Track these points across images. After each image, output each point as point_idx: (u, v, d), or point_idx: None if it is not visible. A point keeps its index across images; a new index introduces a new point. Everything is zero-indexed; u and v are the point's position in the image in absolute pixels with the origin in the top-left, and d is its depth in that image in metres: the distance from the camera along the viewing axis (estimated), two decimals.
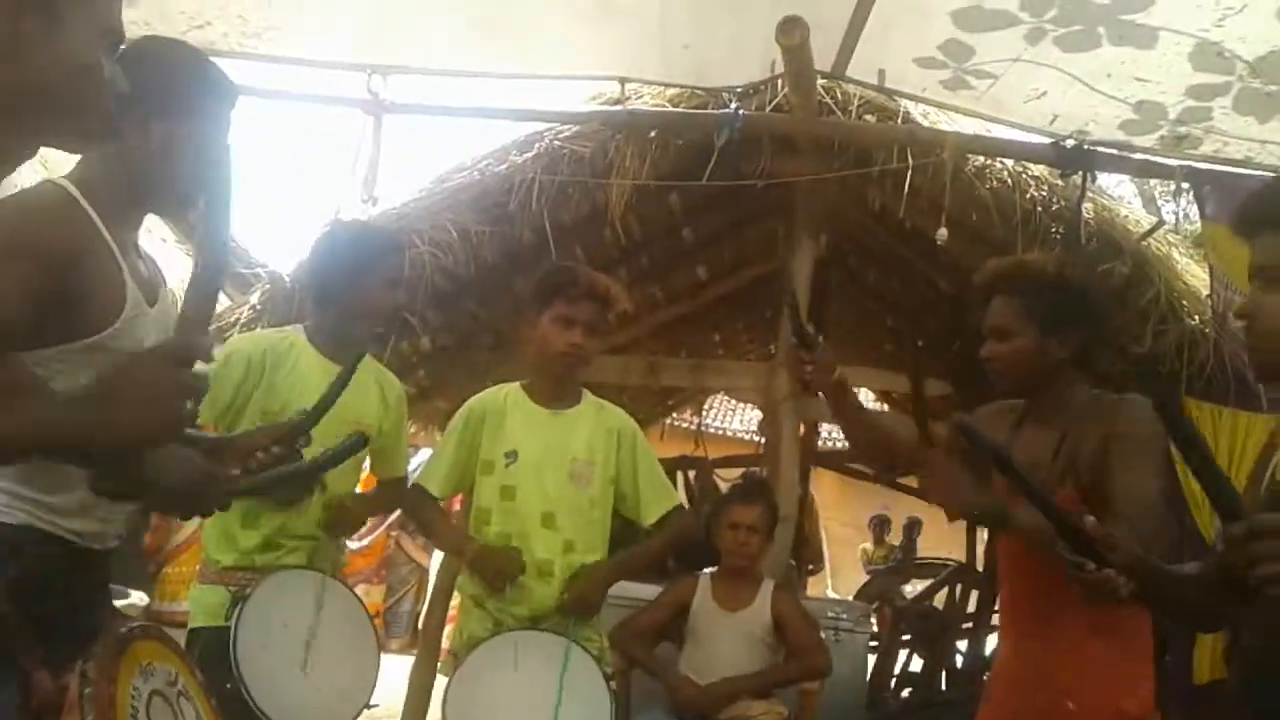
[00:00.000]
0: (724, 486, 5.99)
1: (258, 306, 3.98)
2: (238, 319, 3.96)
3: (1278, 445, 1.58)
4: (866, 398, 9.93)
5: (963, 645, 6.59)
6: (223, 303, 4.42)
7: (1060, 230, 4.01)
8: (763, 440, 6.18)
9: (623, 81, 4.03)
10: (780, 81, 4.00)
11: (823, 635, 3.84)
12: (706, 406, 10.24)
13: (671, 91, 4.22)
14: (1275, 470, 1.54)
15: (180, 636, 2.39)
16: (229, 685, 2.23)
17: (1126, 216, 4.33)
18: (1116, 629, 2.16)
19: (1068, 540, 1.72)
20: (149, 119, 1.67)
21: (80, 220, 1.61)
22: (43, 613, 1.49)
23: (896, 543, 10.79)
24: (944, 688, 5.97)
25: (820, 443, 8.42)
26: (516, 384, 2.92)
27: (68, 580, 1.57)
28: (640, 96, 4.19)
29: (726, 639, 3.64)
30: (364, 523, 3.30)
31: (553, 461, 2.77)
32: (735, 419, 14.65)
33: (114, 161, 1.67)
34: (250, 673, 2.30)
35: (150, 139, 1.68)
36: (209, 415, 2.58)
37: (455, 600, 4.27)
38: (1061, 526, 1.73)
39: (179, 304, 1.40)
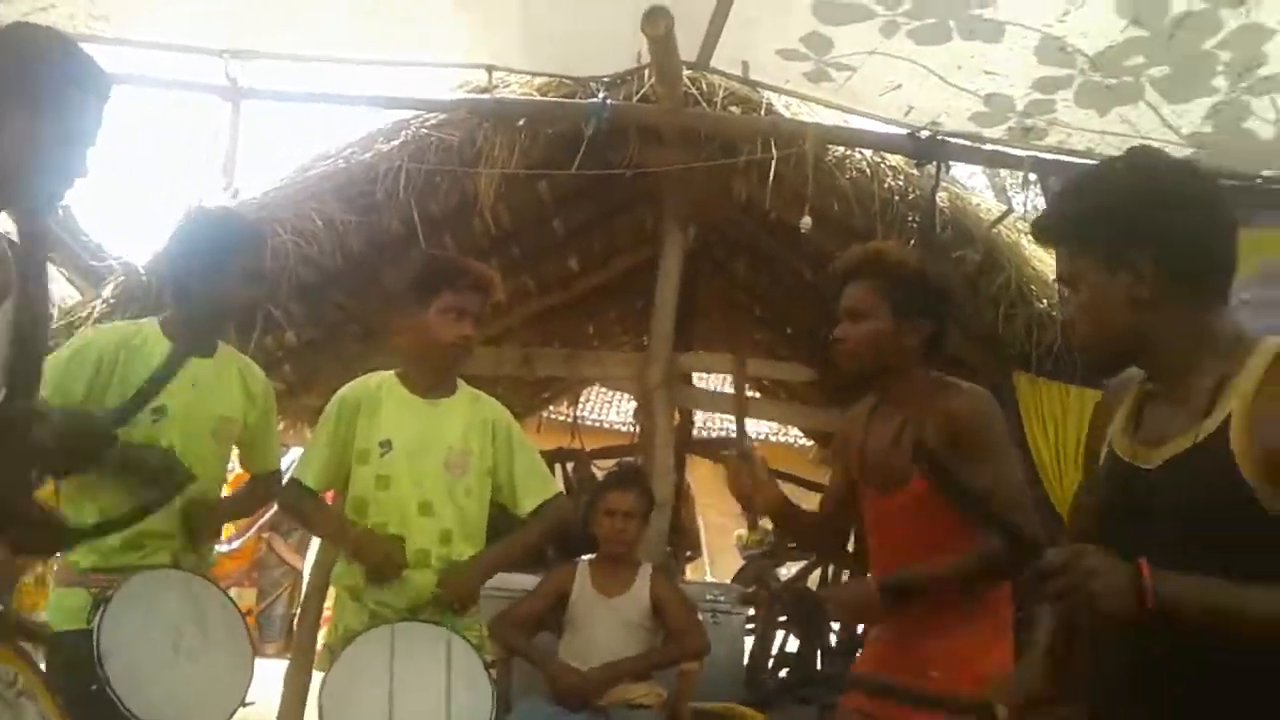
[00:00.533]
0: (602, 478, 6.02)
1: (111, 300, 3.81)
2: (90, 314, 3.79)
3: (1109, 419, 1.67)
4: (724, 383, 10.13)
5: (837, 625, 6.78)
6: (73, 297, 4.23)
7: (916, 219, 4.16)
8: (638, 430, 6.24)
9: (490, 69, 4.02)
10: (647, 72, 4.04)
11: (701, 618, 3.91)
12: (582, 399, 10.25)
13: (539, 80, 4.22)
14: (1111, 442, 1.63)
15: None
16: (94, 688, 2.14)
17: (978, 205, 4.53)
18: (981, 607, 2.27)
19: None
20: (9, 109, 1.59)
21: None
22: None
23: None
24: (820, 666, 6.13)
25: (695, 431, 8.53)
26: (390, 373, 2.88)
27: None
28: (508, 85, 4.19)
29: (605, 624, 3.67)
30: (227, 523, 3.21)
31: (428, 451, 2.74)
32: (611, 410, 14.69)
33: None
34: (116, 674, 2.21)
35: (7, 130, 1.60)
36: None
37: (330, 600, 4.19)
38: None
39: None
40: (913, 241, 4.09)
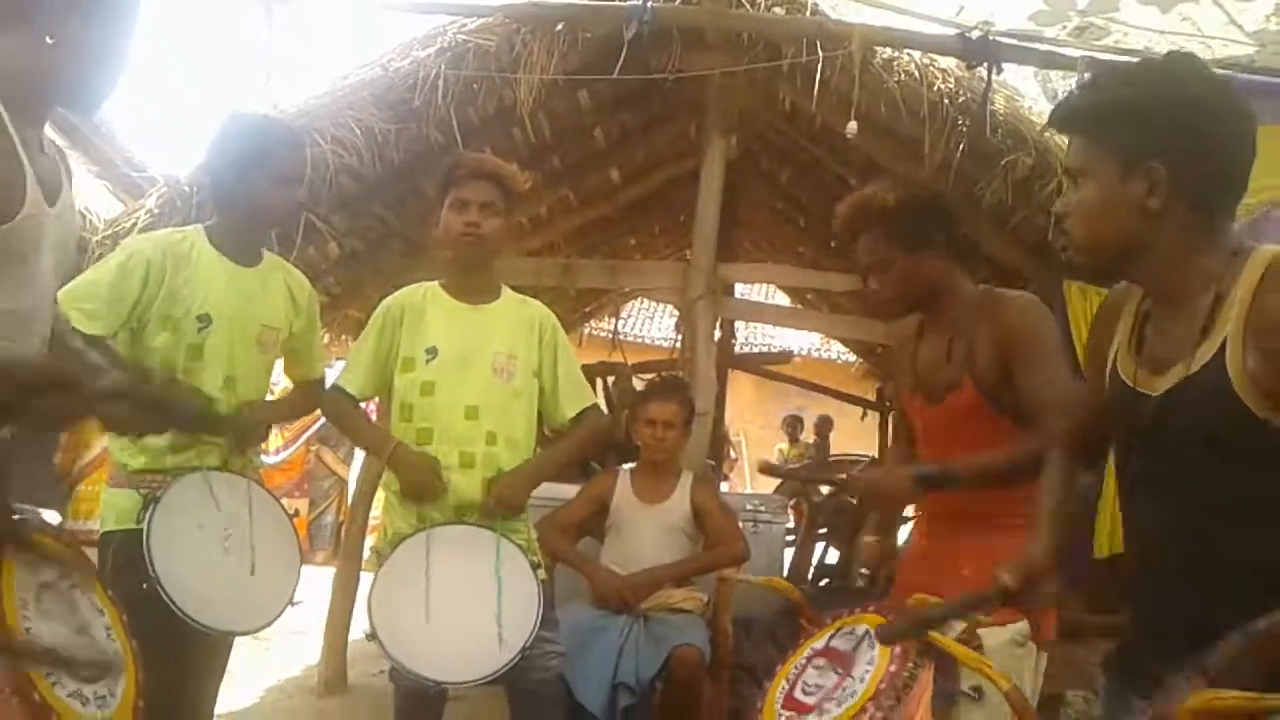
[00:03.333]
0: (643, 388, 6.04)
1: (154, 211, 3.83)
2: (134, 225, 3.81)
3: (1114, 321, 1.64)
4: (776, 294, 10.08)
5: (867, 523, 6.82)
6: (115, 209, 4.26)
7: (966, 123, 4.05)
8: (679, 343, 6.23)
9: None
10: None
11: (741, 526, 3.94)
12: (623, 313, 10.26)
13: None
14: (1115, 360, 1.60)
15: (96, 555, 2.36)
16: (144, 586, 2.20)
17: (1030, 109, 4.39)
18: (1019, 519, 2.25)
19: None
20: (66, 9, 1.59)
21: None
22: None
23: (810, 441, 11.05)
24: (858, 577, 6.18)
25: (737, 346, 8.53)
26: (434, 282, 2.88)
27: None
28: None
29: (647, 531, 3.71)
30: (272, 426, 3.26)
31: (475, 356, 2.75)
32: (652, 326, 14.72)
33: (24, 53, 1.59)
34: (166, 573, 2.27)
35: (68, 30, 1.60)
36: (111, 324, 2.49)
37: (378, 506, 4.27)
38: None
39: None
40: (962, 146, 3.99)
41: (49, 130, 1.76)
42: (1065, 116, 1.62)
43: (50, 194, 1.65)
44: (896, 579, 2.46)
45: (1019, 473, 2.16)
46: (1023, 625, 2.13)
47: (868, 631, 2.06)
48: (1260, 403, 1.38)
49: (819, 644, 2.14)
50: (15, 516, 1.59)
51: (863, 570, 5.73)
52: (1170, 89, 1.48)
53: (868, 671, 1.97)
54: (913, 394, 2.45)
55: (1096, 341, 1.70)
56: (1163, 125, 1.47)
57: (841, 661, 2.06)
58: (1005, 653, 2.09)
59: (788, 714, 2.02)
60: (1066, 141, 1.63)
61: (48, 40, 1.59)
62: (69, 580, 1.61)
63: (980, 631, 2.02)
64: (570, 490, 3.92)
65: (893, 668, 1.93)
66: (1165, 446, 1.48)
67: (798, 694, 2.06)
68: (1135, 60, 1.72)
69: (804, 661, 2.13)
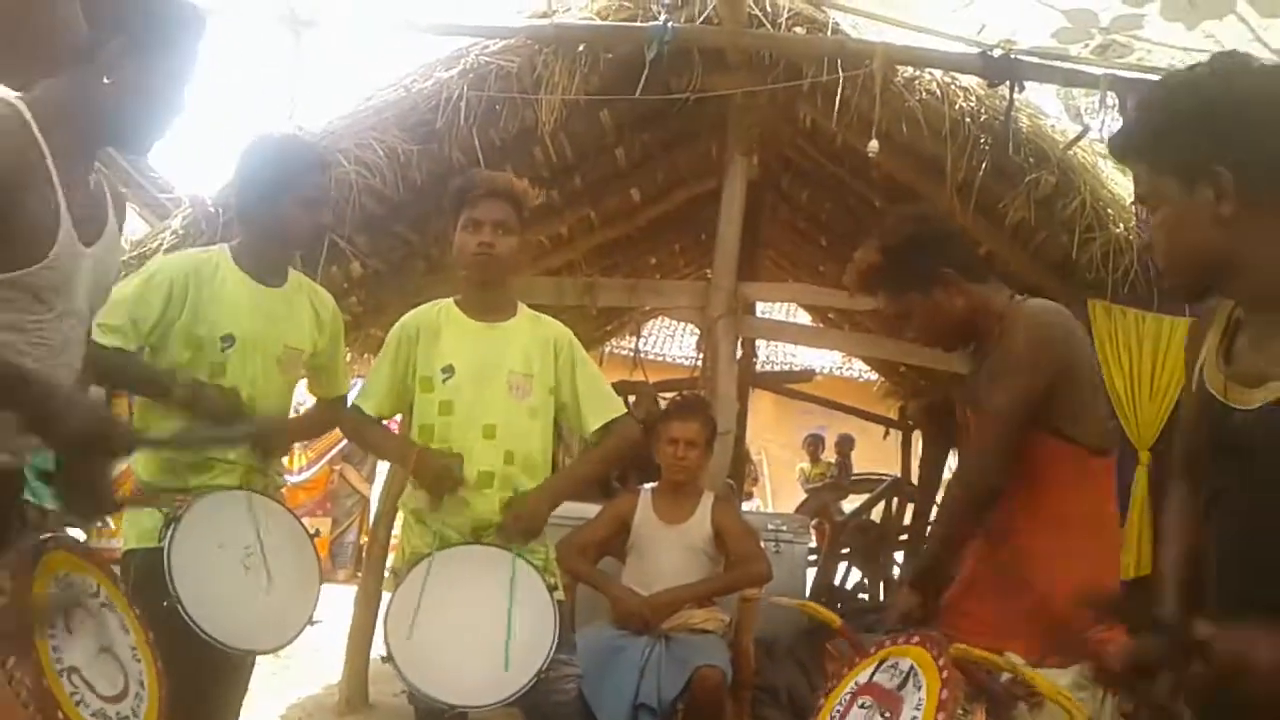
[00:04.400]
0: (665, 407, 6.03)
1: (180, 231, 3.87)
2: (159, 245, 3.85)
3: (1201, 344, 1.60)
4: (798, 313, 10.06)
5: (899, 556, 6.78)
6: (141, 230, 4.30)
7: (988, 141, 4.04)
8: (700, 362, 6.22)
9: None
10: None
11: (763, 545, 3.91)
12: (644, 332, 10.26)
13: (600, 4, 4.14)
14: (1202, 373, 1.56)
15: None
16: (165, 604, 2.21)
17: (1053, 127, 4.37)
18: (1070, 518, 2.22)
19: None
20: (123, 51, 1.62)
21: (25, 143, 1.54)
22: None
23: (832, 460, 11.00)
24: (882, 597, 6.14)
25: (758, 365, 8.51)
26: (449, 300, 2.89)
27: None
28: (568, 10, 4.12)
29: (668, 551, 3.69)
30: (293, 444, 3.27)
31: (490, 374, 2.75)
32: (673, 345, 14.71)
33: (78, 91, 1.63)
34: (187, 592, 2.27)
35: (124, 71, 1.64)
36: (131, 341, 2.52)
37: (398, 527, 4.28)
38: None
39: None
40: (984, 164, 3.98)
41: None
42: (1122, 146, 1.59)
43: (89, 234, 1.67)
44: (946, 610, 2.35)
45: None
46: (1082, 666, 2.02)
47: (913, 668, 1.98)
48: None
49: (862, 678, 2.07)
50: (50, 535, 1.60)
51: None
52: (1218, 90, 1.44)
53: (915, 717, 1.88)
54: (967, 410, 2.45)
55: (1190, 358, 1.63)
56: (1216, 128, 1.42)
57: (888, 703, 1.97)
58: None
59: None
60: (1112, 170, 1.60)
61: (105, 81, 1.63)
62: (99, 599, 1.62)
63: (1043, 672, 1.92)
64: (591, 510, 3.91)
65: (941, 715, 1.84)
66: (1258, 463, 1.41)
67: None
68: (1174, 72, 1.68)
69: (848, 698, 2.05)
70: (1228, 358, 1.51)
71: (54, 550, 1.56)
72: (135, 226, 5.58)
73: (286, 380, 2.77)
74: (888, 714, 1.93)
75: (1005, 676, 1.91)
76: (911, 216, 2.40)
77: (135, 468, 2.60)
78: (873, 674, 2.04)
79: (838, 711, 2.04)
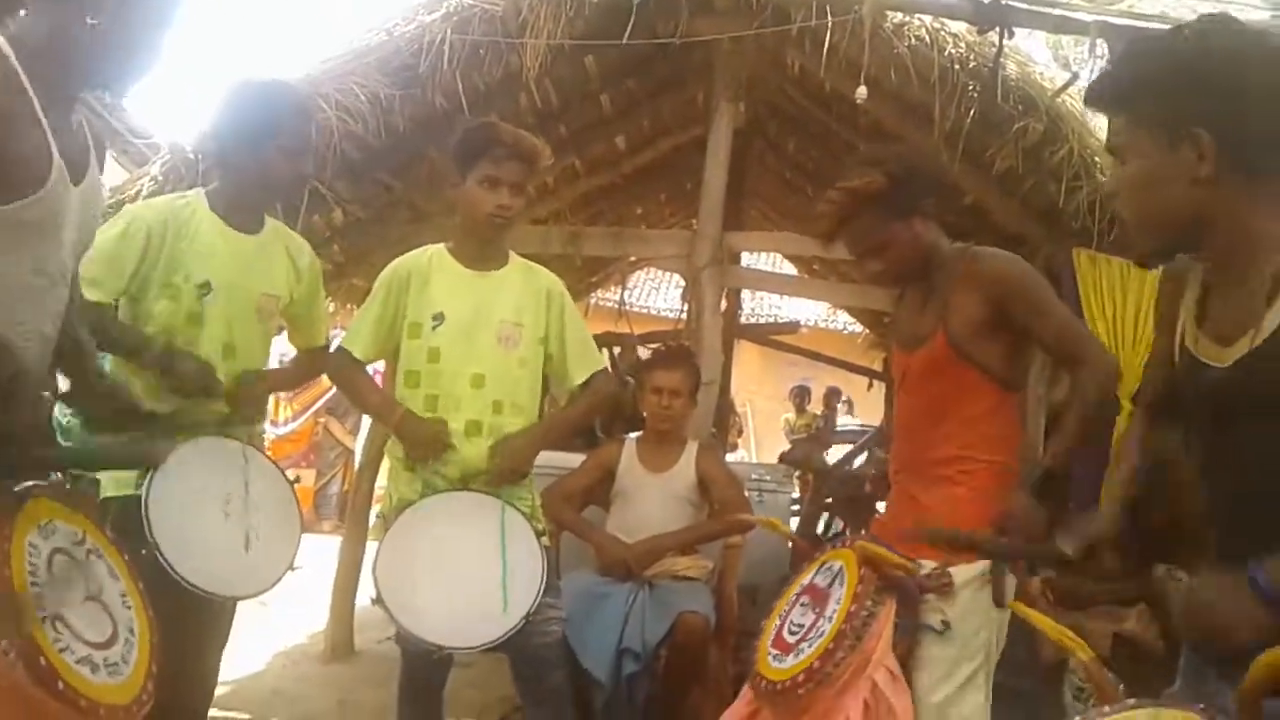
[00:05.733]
0: (649, 356, 6.03)
1: (158, 178, 3.80)
2: (139, 192, 3.79)
3: (1180, 291, 1.60)
4: (783, 264, 10.04)
5: (882, 506, 6.82)
6: (120, 177, 4.24)
7: (976, 88, 4.00)
8: (685, 314, 6.21)
9: None
10: None
11: (746, 495, 3.93)
12: (629, 284, 10.24)
13: None
14: (1183, 331, 1.56)
15: None
16: (144, 552, 2.19)
17: (1041, 74, 4.34)
18: (985, 469, 2.25)
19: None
20: None
21: (9, 79, 1.51)
22: None
23: (818, 412, 11.04)
24: None
25: (743, 318, 8.50)
26: (440, 246, 2.85)
27: None
28: None
29: (652, 499, 3.70)
30: (272, 394, 3.25)
31: (481, 323, 2.73)
32: (658, 297, 14.68)
33: (63, 32, 1.59)
34: (166, 539, 2.26)
35: (107, 11, 1.61)
36: (112, 291, 2.48)
37: (382, 478, 4.28)
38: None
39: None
40: (972, 112, 3.95)
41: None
42: (1102, 94, 1.56)
43: (76, 173, 1.65)
44: (874, 527, 2.45)
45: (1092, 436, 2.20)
46: (985, 565, 2.15)
47: (841, 568, 2.19)
48: None
49: (805, 580, 2.29)
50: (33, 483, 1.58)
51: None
52: (1205, 52, 1.43)
53: (835, 610, 2.12)
54: (895, 349, 2.49)
55: (1162, 312, 1.65)
56: (1202, 90, 1.41)
57: (819, 599, 2.20)
58: (972, 589, 2.13)
59: (775, 652, 2.18)
60: (1100, 119, 1.59)
61: (89, 21, 1.59)
62: (85, 546, 1.60)
63: (951, 570, 2.12)
64: (576, 459, 3.91)
65: (853, 606, 2.08)
66: (1234, 418, 1.44)
67: (784, 633, 2.21)
68: (1167, 27, 1.66)
69: (794, 599, 2.27)
70: (1202, 317, 1.53)
71: (37, 498, 1.54)
72: (114, 173, 5.50)
73: (265, 328, 2.75)
74: (817, 609, 2.18)
75: (923, 571, 2.12)
76: (909, 148, 2.40)
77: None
78: (813, 576, 2.28)
79: (784, 612, 2.27)
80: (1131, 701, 1.35)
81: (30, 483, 1.57)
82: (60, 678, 1.40)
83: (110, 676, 1.51)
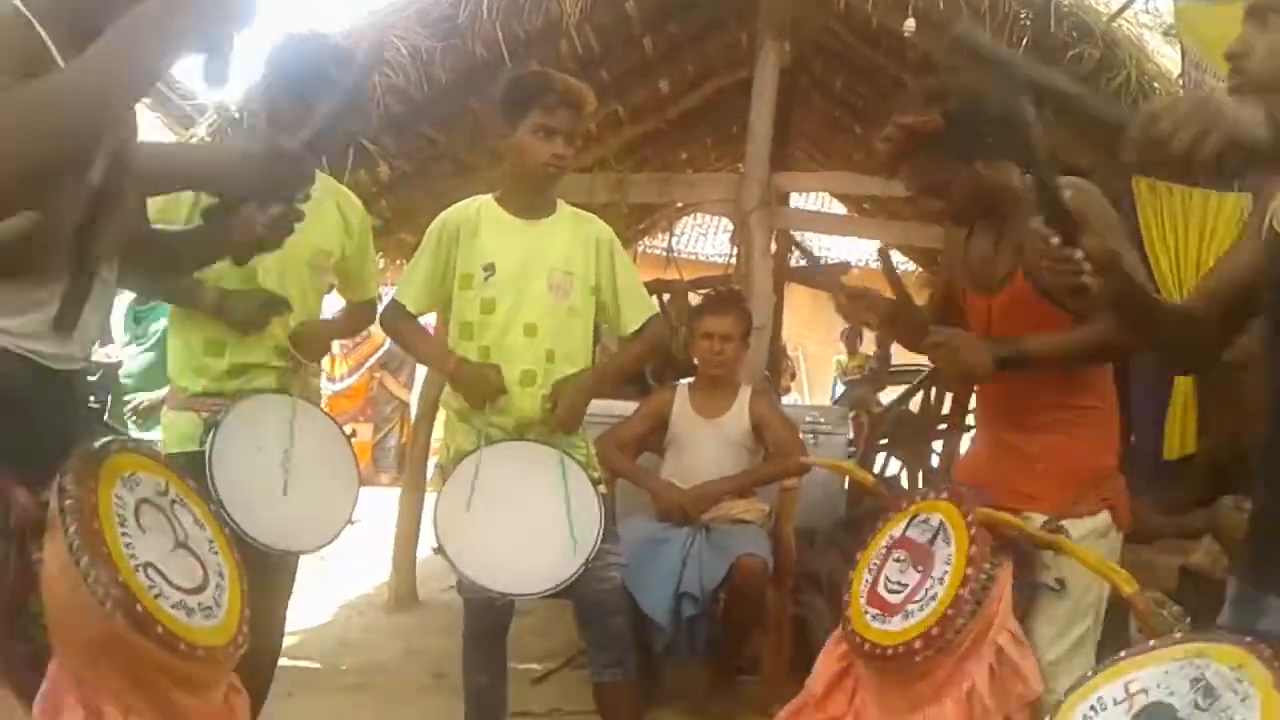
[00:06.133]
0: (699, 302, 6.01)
1: (206, 139, 3.84)
2: None
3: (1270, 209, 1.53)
4: (833, 205, 9.91)
5: (938, 446, 6.77)
6: (166, 138, 4.28)
7: (1029, 16, 3.88)
8: (734, 259, 6.15)
9: None
10: None
11: (801, 438, 3.91)
12: (677, 230, 10.17)
13: None
14: (1274, 219, 1.50)
15: None
16: (210, 508, 2.24)
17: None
18: (1086, 416, 2.19)
19: (1044, 208, 1.65)
20: None
21: (32, 42, 1.50)
22: (13, 432, 1.46)
23: (870, 353, 10.94)
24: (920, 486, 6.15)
25: (793, 262, 8.42)
26: (488, 196, 2.83)
27: (36, 398, 1.54)
28: None
29: (707, 445, 3.71)
30: (330, 345, 3.28)
31: (531, 272, 2.72)
32: (706, 243, 14.58)
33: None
34: (228, 495, 2.31)
35: None
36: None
37: (438, 430, 4.32)
38: (1041, 189, 1.65)
39: None
40: (1025, 40, 3.83)
41: None
42: None
43: None
44: (966, 473, 2.38)
45: (1092, 353, 2.11)
46: (1104, 516, 2.10)
47: (942, 523, 2.07)
48: None
49: (896, 531, 2.15)
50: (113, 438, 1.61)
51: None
52: None
53: (946, 572, 1.98)
54: (968, 290, 2.35)
55: (1256, 212, 1.58)
56: None
57: (920, 557, 2.07)
58: (1089, 544, 2.03)
59: (874, 611, 2.05)
60: (1158, 43, 1.52)
61: None
62: (169, 496, 1.64)
63: (1064, 524, 2.03)
64: (628, 407, 3.92)
65: (970, 570, 1.94)
66: None
67: (881, 590, 2.08)
68: None
69: (884, 552, 2.14)
70: None
71: (120, 452, 1.57)
72: (160, 136, 5.55)
73: (318, 284, 2.77)
74: (920, 567, 2.04)
75: (1036, 525, 2.01)
76: (973, 84, 2.27)
77: (171, 374, 2.62)
78: (905, 528, 2.13)
79: (874, 565, 2.13)
80: (1178, 635, 1.34)
81: (114, 439, 1.60)
82: (159, 622, 1.43)
83: (206, 619, 1.54)
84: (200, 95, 4.67)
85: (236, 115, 3.80)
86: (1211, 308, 1.65)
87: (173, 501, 1.63)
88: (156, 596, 1.46)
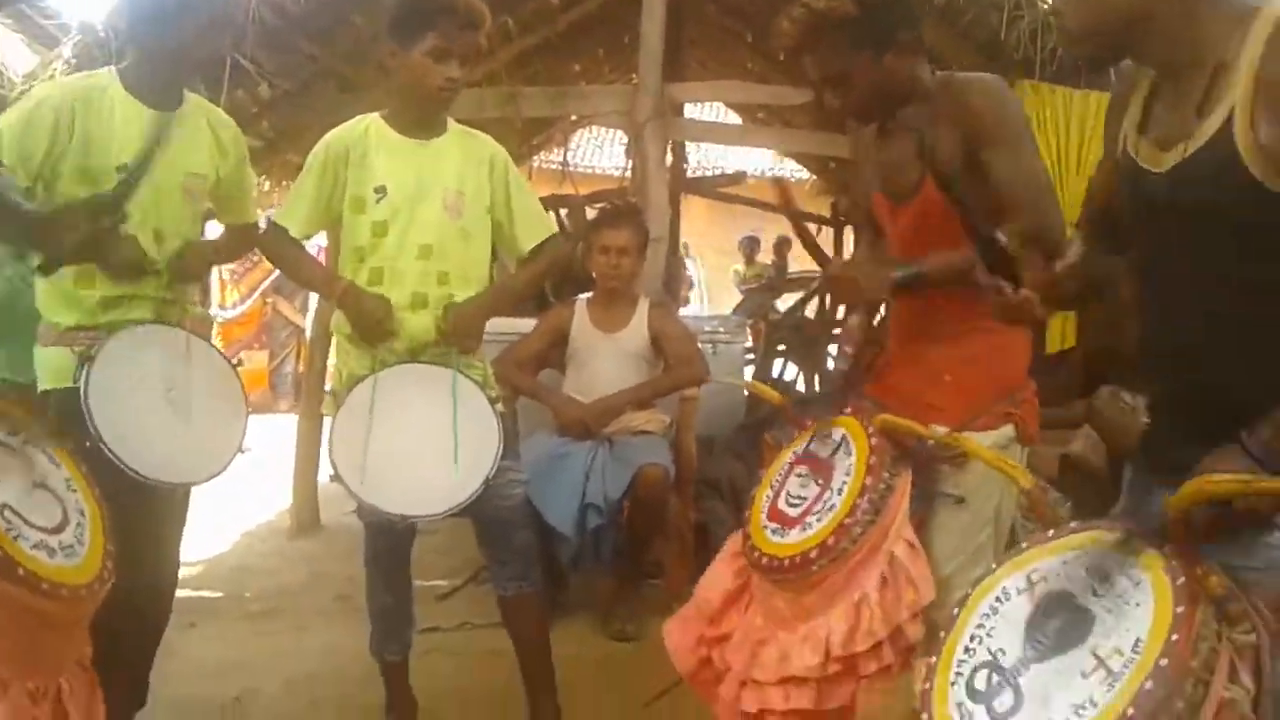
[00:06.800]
0: (595, 215, 5.97)
1: (71, 60, 3.63)
2: (51, 75, 3.61)
3: (1123, 110, 1.57)
4: (727, 115, 9.90)
5: (833, 350, 6.92)
6: (29, 61, 4.05)
7: None
8: (630, 171, 6.12)
9: None
10: None
11: (700, 348, 3.96)
12: (571, 144, 10.04)
13: None
14: (1125, 138, 1.54)
15: None
16: (88, 444, 2.17)
17: None
18: (995, 328, 2.18)
19: (985, 256, 1.69)
20: None
21: None
22: None
23: (768, 262, 11.06)
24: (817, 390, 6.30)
25: (689, 172, 8.41)
26: (375, 115, 2.73)
27: None
28: None
29: (606, 358, 3.73)
30: (209, 269, 3.17)
31: (425, 193, 2.64)
32: (602, 156, 14.44)
33: None
34: (108, 429, 2.21)
35: None
36: (22, 178, 2.37)
37: (333, 353, 4.26)
38: (982, 243, 1.69)
39: None
40: None
41: None
42: None
43: None
44: (873, 386, 2.36)
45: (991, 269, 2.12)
46: (1008, 429, 2.10)
47: (844, 436, 2.06)
48: (1272, 176, 1.30)
49: (799, 449, 2.15)
50: None
51: (847, 350, 5.80)
52: None
53: (845, 483, 1.98)
54: (880, 197, 2.32)
55: (1110, 129, 1.61)
56: None
57: (821, 471, 2.06)
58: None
59: (773, 525, 2.04)
60: None
61: None
62: (20, 436, 1.59)
63: (968, 434, 1.98)
64: (527, 324, 3.91)
65: (869, 479, 1.94)
66: (1176, 224, 1.42)
67: (781, 505, 2.07)
68: None
69: (786, 468, 2.14)
70: (1145, 124, 1.50)
71: None
72: (23, 57, 5.23)
73: (193, 209, 2.65)
74: (820, 480, 2.03)
75: (931, 441, 1.98)
76: None
77: (41, 309, 2.51)
78: (808, 445, 2.13)
79: (776, 482, 2.13)
80: (1074, 525, 1.38)
81: None
82: (19, 564, 1.41)
83: (67, 559, 1.52)
84: (64, 14, 4.40)
85: (101, 33, 3.60)
86: (1092, 232, 1.70)
87: (24, 442, 1.59)
88: (15, 538, 1.44)
